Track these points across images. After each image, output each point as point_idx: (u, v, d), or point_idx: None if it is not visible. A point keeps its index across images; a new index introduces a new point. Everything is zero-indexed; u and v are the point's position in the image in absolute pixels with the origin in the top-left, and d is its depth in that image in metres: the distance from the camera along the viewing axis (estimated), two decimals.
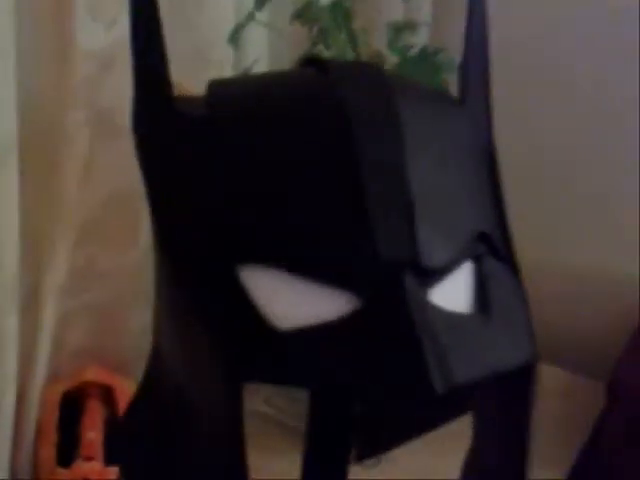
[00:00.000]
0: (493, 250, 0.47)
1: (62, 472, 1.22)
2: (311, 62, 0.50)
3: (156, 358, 0.52)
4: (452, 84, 1.19)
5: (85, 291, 1.27)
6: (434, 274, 0.42)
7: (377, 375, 0.39)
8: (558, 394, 1.70)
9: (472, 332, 0.42)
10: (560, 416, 1.50)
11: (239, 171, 0.45)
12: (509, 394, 0.47)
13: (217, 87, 0.50)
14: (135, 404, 0.55)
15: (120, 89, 1.16)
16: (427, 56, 1.19)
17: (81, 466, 1.21)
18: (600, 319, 1.81)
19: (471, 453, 0.53)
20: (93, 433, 1.27)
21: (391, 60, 1.21)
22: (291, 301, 0.42)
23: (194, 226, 0.45)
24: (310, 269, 0.41)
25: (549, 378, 1.76)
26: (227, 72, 1.30)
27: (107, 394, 1.30)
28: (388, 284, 0.40)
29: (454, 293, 0.43)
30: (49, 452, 1.26)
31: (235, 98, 0.49)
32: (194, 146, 0.47)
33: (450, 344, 0.40)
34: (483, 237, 0.46)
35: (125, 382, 1.31)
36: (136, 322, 1.39)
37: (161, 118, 0.49)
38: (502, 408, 0.49)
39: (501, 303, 0.45)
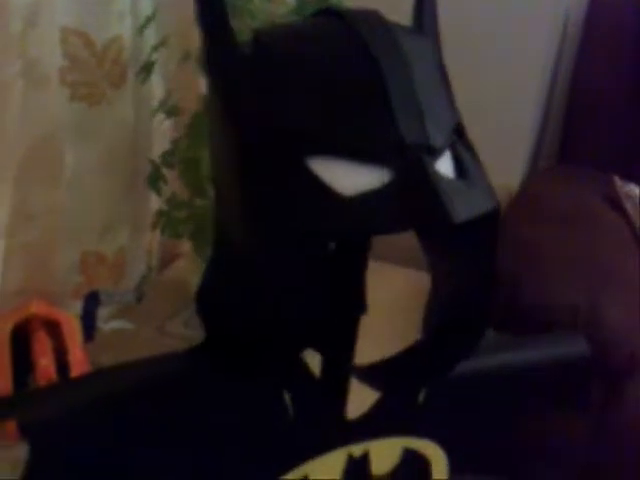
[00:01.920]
0: (460, 137, 0.67)
1: None
2: (323, 12, 0.68)
3: (222, 237, 0.68)
4: None
5: (19, 231, 1.37)
6: (437, 153, 0.63)
7: (414, 213, 0.59)
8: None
9: (462, 190, 0.63)
10: None
11: (287, 88, 0.61)
12: (483, 232, 0.66)
13: (260, 34, 0.66)
14: (210, 269, 0.69)
15: (44, 42, 1.28)
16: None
17: None
18: None
19: (437, 293, 0.71)
20: (45, 360, 1.38)
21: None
22: (352, 178, 0.60)
23: (267, 131, 0.61)
24: (361, 155, 0.60)
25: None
26: (127, 20, 1.43)
27: (52, 328, 1.39)
28: (413, 160, 0.60)
29: (446, 166, 0.64)
30: (6, 384, 1.35)
31: (273, 40, 0.66)
32: (247, 72, 0.64)
33: (453, 197, 0.59)
34: (456, 130, 0.67)
35: (69, 315, 1.42)
36: (64, 259, 1.51)
37: (226, 55, 0.65)
38: (478, 244, 0.67)
39: (472, 171, 0.66)
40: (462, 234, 0.64)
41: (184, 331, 1.59)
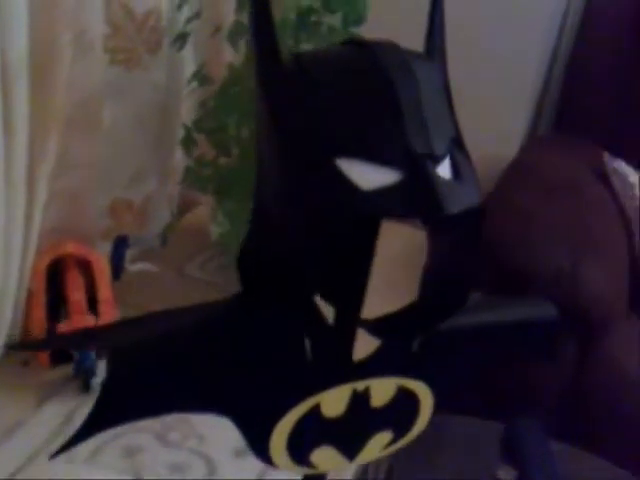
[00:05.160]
0: (458, 145, 0.81)
1: (60, 326, 1.49)
2: (350, 42, 0.82)
3: (260, 211, 0.83)
4: None
5: (60, 177, 1.52)
6: (439, 159, 0.77)
7: (415, 206, 0.74)
8: None
9: (455, 189, 0.77)
10: None
11: (323, 102, 0.76)
12: (470, 221, 0.80)
13: (300, 56, 0.80)
14: (249, 238, 0.85)
15: (92, 12, 1.43)
16: None
17: (77, 319, 1.49)
18: None
19: (431, 265, 0.86)
20: (77, 295, 1.54)
21: None
22: (369, 175, 0.75)
23: (304, 134, 0.76)
24: (378, 158, 0.75)
25: None
26: None
27: (85, 267, 1.56)
28: (419, 165, 0.74)
29: (444, 170, 0.78)
30: (40, 312, 1.52)
31: (312, 63, 0.80)
32: (291, 85, 0.78)
33: (448, 194, 0.74)
34: (454, 140, 0.81)
35: (99, 256, 1.59)
36: (96, 204, 1.68)
37: (274, 71, 0.79)
38: (466, 230, 0.82)
39: (466, 174, 0.80)
40: (454, 222, 0.78)
41: (200, 274, 1.76)
